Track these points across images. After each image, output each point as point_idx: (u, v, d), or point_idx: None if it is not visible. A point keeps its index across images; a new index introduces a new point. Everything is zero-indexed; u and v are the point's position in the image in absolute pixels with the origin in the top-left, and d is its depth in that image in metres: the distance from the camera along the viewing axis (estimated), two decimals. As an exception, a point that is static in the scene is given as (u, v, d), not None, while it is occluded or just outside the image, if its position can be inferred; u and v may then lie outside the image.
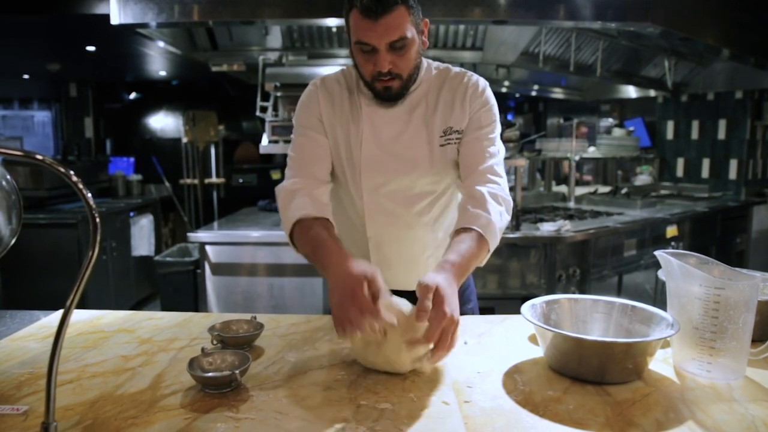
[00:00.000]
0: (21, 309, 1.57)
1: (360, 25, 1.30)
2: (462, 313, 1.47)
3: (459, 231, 1.30)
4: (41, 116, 7.67)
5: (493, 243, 1.31)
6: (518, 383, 1.08)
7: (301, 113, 1.50)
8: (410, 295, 1.50)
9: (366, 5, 1.26)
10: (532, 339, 1.32)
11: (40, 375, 1.11)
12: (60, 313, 1.52)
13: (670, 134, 5.74)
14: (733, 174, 5.31)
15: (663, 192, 5.41)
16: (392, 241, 1.51)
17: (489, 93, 1.48)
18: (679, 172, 5.69)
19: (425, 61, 1.47)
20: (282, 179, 1.48)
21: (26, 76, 6.59)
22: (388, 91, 1.38)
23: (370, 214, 1.48)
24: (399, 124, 1.45)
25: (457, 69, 1.50)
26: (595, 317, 1.25)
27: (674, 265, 1.12)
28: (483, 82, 1.48)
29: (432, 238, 1.52)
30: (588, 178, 5.93)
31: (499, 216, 1.33)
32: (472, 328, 1.39)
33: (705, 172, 5.50)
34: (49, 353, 0.79)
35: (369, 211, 1.48)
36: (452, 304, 1.08)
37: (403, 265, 1.52)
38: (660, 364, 1.17)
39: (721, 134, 5.37)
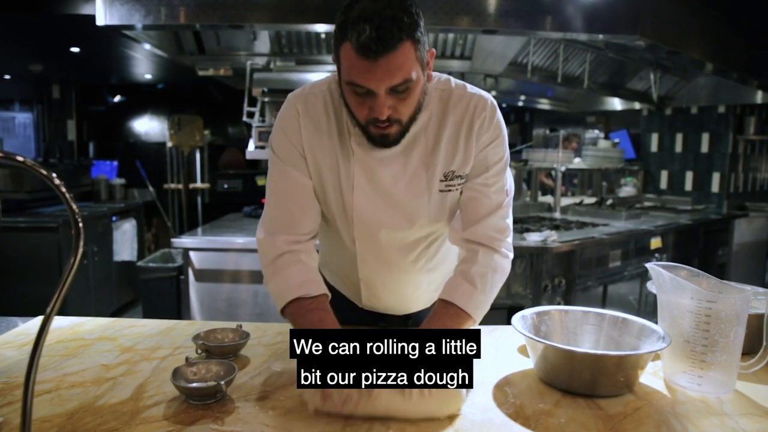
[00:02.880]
0: (-2, 315, 1.52)
1: (354, 65, 1.06)
2: None
3: (441, 301, 1.21)
4: (22, 118, 7.54)
5: (477, 312, 1.21)
6: (509, 396, 1.07)
7: (280, 142, 1.27)
8: (399, 320, 1.48)
9: (363, 43, 1.02)
10: (522, 350, 1.30)
11: (17, 384, 1.07)
12: (39, 319, 1.48)
13: (654, 147, 5.81)
14: (715, 187, 5.38)
15: (647, 204, 5.47)
16: (385, 283, 1.40)
17: (498, 119, 1.26)
18: (663, 184, 5.75)
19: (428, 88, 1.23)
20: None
21: (7, 77, 6.48)
22: (385, 138, 1.16)
23: (362, 259, 1.36)
24: (395, 166, 1.25)
25: (459, 89, 1.26)
26: (585, 329, 1.24)
27: (665, 278, 1.12)
28: (490, 106, 1.25)
29: (426, 278, 1.42)
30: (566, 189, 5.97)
31: (488, 285, 1.23)
32: (462, 339, 1.37)
33: (688, 185, 5.56)
34: (26, 362, 0.76)
35: (361, 256, 1.35)
36: None
37: (394, 300, 1.45)
38: (650, 377, 1.17)
39: (704, 148, 5.44)
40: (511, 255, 1.30)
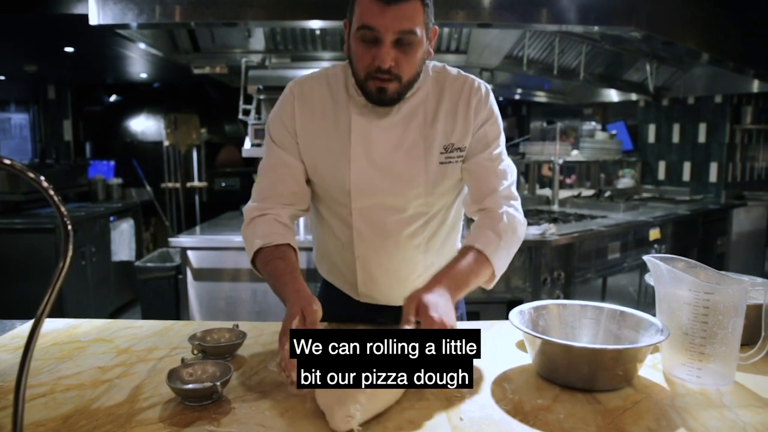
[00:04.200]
0: (-5, 318, 1.51)
1: (368, 9, 1.16)
2: None
3: (463, 248, 1.26)
4: (18, 119, 7.51)
5: (498, 263, 1.26)
6: (507, 392, 1.06)
7: (273, 124, 1.37)
8: (398, 311, 1.47)
9: None
10: (520, 345, 1.30)
11: (11, 389, 1.05)
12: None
13: (651, 138, 5.80)
14: (713, 177, 5.38)
15: (645, 195, 5.46)
16: (381, 262, 1.41)
17: (492, 100, 1.35)
18: (661, 175, 5.75)
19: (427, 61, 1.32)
20: None
21: (2, 78, 6.46)
22: (382, 93, 1.22)
23: (358, 235, 1.38)
24: (394, 137, 1.31)
25: (454, 71, 1.36)
26: (583, 323, 1.24)
27: (663, 270, 1.11)
28: (485, 88, 1.34)
29: (423, 259, 1.43)
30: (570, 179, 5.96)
31: (509, 241, 1.28)
32: (460, 335, 1.37)
33: (686, 175, 5.56)
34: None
35: (357, 231, 1.37)
36: (441, 310, 1.06)
37: (390, 284, 1.44)
38: (649, 369, 1.16)
39: (702, 138, 5.44)
40: (524, 222, 1.34)
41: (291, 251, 1.27)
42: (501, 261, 1.27)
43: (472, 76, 1.35)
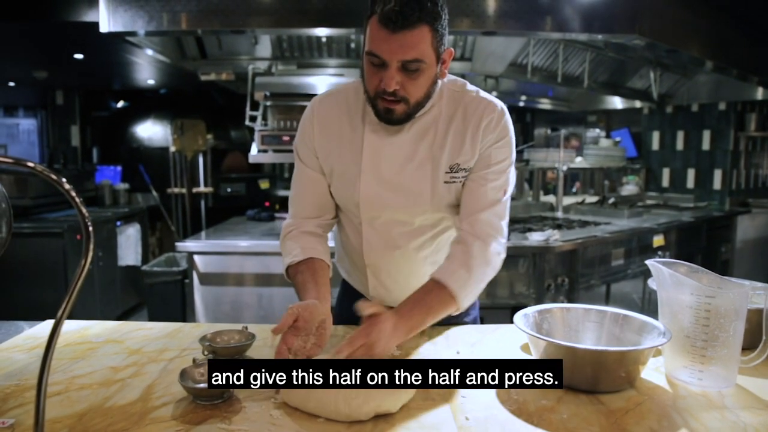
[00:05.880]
0: (4, 320, 1.54)
1: (375, 35, 1.18)
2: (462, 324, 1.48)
3: (433, 280, 1.29)
4: (26, 124, 7.58)
5: (464, 300, 1.29)
6: (512, 393, 1.08)
7: (298, 142, 1.45)
8: None
9: (386, 14, 1.15)
10: (525, 348, 1.32)
11: (27, 387, 1.09)
12: (47, 323, 1.50)
13: (655, 145, 5.81)
14: (717, 184, 5.38)
15: (649, 202, 5.47)
16: (390, 271, 1.47)
17: (506, 122, 1.35)
18: (665, 182, 5.76)
19: (439, 82, 1.32)
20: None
21: (12, 83, 6.52)
22: (390, 113, 1.26)
23: (368, 244, 1.44)
24: (403, 155, 1.35)
25: (473, 92, 1.36)
26: (587, 326, 1.26)
27: (665, 274, 1.13)
28: (500, 110, 1.34)
29: (431, 268, 1.42)
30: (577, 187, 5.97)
31: (480, 276, 1.32)
32: (465, 338, 1.39)
33: (690, 182, 5.57)
34: (35, 365, 0.78)
35: (367, 241, 1.44)
36: (372, 336, 1.11)
37: (400, 290, 1.45)
38: (651, 372, 1.18)
39: (706, 145, 5.44)
40: (504, 255, 1.38)
41: (319, 262, 1.35)
42: (468, 297, 1.30)
43: (490, 98, 1.35)
